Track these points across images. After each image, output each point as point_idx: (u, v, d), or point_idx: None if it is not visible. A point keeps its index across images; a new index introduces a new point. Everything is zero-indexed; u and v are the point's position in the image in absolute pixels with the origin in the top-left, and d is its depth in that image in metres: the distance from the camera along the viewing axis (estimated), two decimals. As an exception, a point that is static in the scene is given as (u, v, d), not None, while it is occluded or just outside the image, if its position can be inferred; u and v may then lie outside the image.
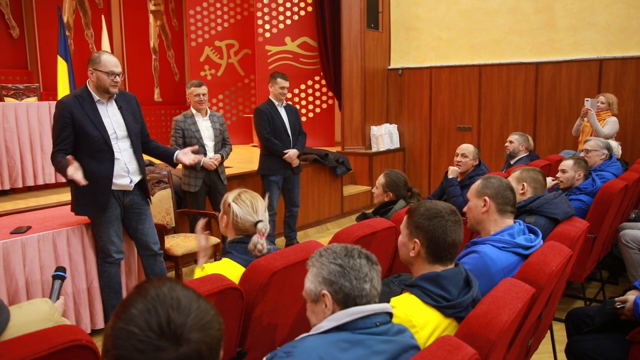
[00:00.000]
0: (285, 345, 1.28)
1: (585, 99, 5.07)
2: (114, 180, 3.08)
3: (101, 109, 3.03)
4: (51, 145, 4.30)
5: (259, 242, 2.02)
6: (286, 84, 4.61)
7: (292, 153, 4.62)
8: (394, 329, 1.33)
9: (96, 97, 3.01)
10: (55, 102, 4.53)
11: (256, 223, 2.05)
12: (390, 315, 1.36)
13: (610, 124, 4.96)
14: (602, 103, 5.07)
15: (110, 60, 2.97)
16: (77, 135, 2.97)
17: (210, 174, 4.27)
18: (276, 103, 4.65)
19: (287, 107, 4.75)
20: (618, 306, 2.13)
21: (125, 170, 3.12)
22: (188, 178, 4.24)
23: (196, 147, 3.48)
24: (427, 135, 7.24)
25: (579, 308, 2.60)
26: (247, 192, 2.15)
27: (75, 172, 2.82)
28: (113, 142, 3.04)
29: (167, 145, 3.68)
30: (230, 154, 4.46)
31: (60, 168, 2.91)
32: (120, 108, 3.11)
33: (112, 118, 3.06)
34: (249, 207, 2.08)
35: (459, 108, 6.94)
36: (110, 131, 3.03)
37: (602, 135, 4.77)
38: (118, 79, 2.98)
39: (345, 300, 1.31)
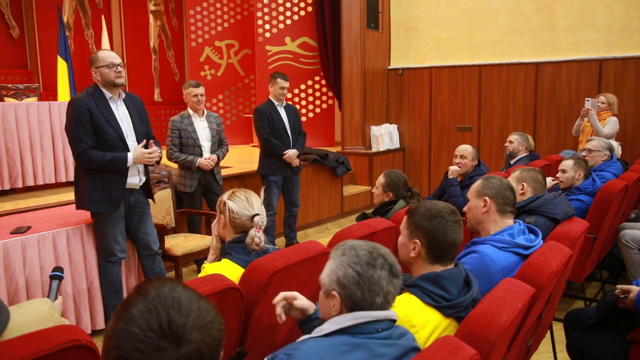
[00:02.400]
0: (285, 347, 1.27)
1: (586, 99, 5.07)
2: (127, 179, 3.11)
3: (113, 107, 3.05)
4: (51, 145, 4.39)
5: (256, 235, 2.02)
6: (286, 84, 4.62)
7: (291, 153, 4.62)
8: (396, 333, 1.32)
9: (108, 94, 3.03)
10: (55, 102, 4.57)
11: (253, 217, 2.05)
12: (394, 321, 1.34)
13: (611, 124, 4.96)
14: (602, 103, 5.07)
15: (106, 54, 3.00)
16: (93, 132, 2.98)
17: (205, 174, 4.27)
18: (276, 103, 4.65)
19: (287, 107, 4.75)
20: (621, 296, 2.12)
21: (136, 169, 3.15)
22: (183, 178, 4.24)
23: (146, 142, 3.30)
24: (427, 135, 7.24)
25: (578, 309, 2.59)
26: (240, 190, 2.16)
27: (144, 152, 3.03)
28: (126, 141, 3.07)
29: (163, 145, 3.71)
30: (226, 155, 4.46)
31: (111, 161, 2.97)
32: (128, 108, 3.13)
33: (122, 117, 3.09)
34: (244, 201, 2.08)
35: (459, 108, 6.94)
36: (123, 129, 3.06)
37: (603, 135, 4.77)
38: (120, 68, 3.00)
39: (352, 307, 1.30)
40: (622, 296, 2.12)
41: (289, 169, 4.70)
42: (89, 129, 2.95)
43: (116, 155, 2.99)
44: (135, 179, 3.16)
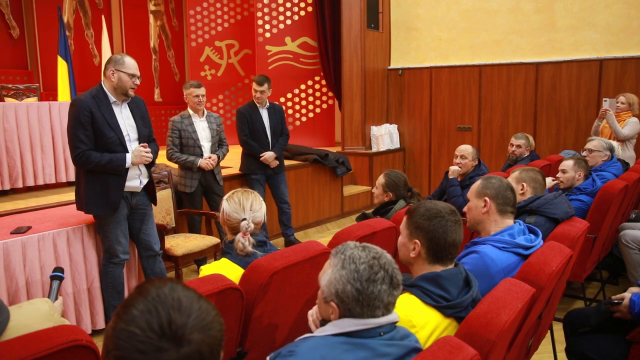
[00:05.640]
0: (288, 344, 1.28)
1: (604, 99, 5.00)
2: (126, 183, 3.10)
3: (116, 110, 3.05)
4: (51, 145, 4.39)
5: (240, 240, 2.04)
6: (259, 87, 4.64)
7: (267, 156, 4.69)
8: (399, 334, 1.31)
9: (112, 98, 3.03)
10: (55, 102, 4.58)
11: (241, 221, 2.06)
12: (395, 322, 1.34)
13: (631, 125, 4.86)
14: (622, 103, 4.96)
15: (133, 63, 3.04)
16: (93, 134, 2.98)
17: (206, 174, 4.27)
18: (258, 105, 4.70)
19: (270, 108, 4.79)
20: (615, 302, 2.13)
21: (137, 173, 3.15)
22: (184, 179, 4.25)
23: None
24: (427, 135, 7.24)
25: (576, 310, 2.56)
26: (240, 191, 2.19)
27: (141, 150, 3.03)
28: (127, 144, 3.06)
29: (163, 145, 3.71)
30: (226, 155, 4.47)
31: (109, 162, 2.96)
32: (131, 111, 3.13)
33: (125, 120, 3.09)
34: (236, 204, 2.12)
35: (459, 108, 6.94)
36: (124, 132, 3.06)
37: (622, 136, 4.73)
38: (138, 81, 3.05)
39: (351, 317, 1.29)
40: (615, 302, 2.12)
41: (269, 168, 4.77)
42: (88, 131, 2.95)
43: (115, 156, 2.98)
44: (135, 182, 3.16)
